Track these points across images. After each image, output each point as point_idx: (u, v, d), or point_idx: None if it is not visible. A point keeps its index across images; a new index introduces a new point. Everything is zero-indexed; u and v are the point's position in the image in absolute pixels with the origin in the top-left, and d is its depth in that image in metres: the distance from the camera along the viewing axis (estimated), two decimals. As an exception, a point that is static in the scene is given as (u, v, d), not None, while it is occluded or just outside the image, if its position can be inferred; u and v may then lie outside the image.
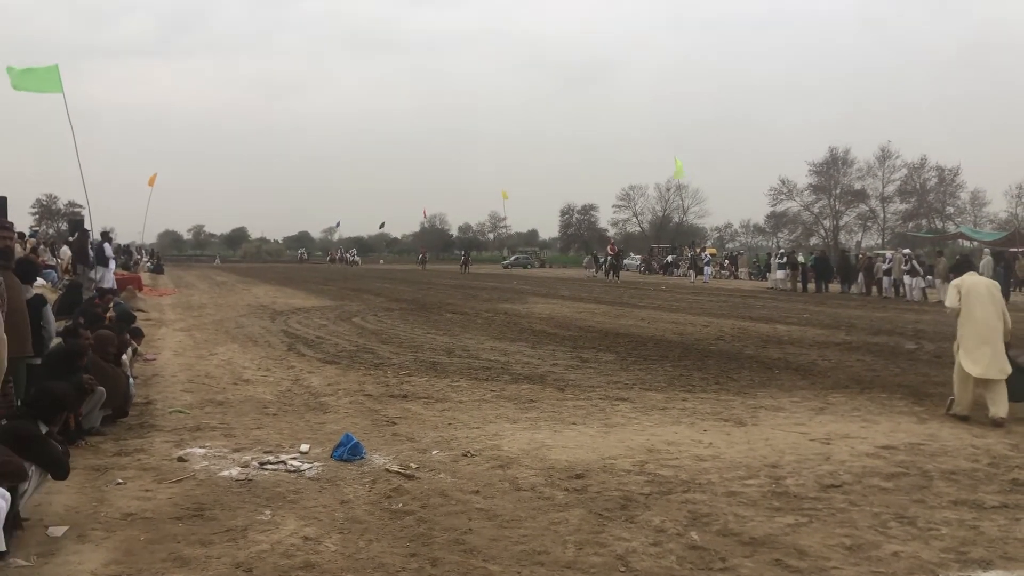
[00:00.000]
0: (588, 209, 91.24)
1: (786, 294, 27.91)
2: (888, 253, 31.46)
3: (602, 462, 5.51)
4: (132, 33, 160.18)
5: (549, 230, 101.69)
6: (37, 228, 57.47)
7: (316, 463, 5.39)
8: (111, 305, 11.36)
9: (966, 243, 43.91)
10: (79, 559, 3.72)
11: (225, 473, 5.16)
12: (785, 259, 31.92)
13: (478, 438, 6.19)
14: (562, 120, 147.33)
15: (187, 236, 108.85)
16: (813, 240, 64.49)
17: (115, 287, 17.80)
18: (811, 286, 29.33)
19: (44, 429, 4.28)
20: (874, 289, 27.30)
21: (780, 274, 31.07)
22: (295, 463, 5.36)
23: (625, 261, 50.55)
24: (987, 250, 27.40)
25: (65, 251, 21.54)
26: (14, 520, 3.81)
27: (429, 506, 4.54)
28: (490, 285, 31.78)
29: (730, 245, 79.61)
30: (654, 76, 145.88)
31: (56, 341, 6.68)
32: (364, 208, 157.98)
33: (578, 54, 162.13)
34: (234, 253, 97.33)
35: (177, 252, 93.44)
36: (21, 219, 53.26)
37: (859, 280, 28.36)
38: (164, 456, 5.60)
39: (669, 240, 69.24)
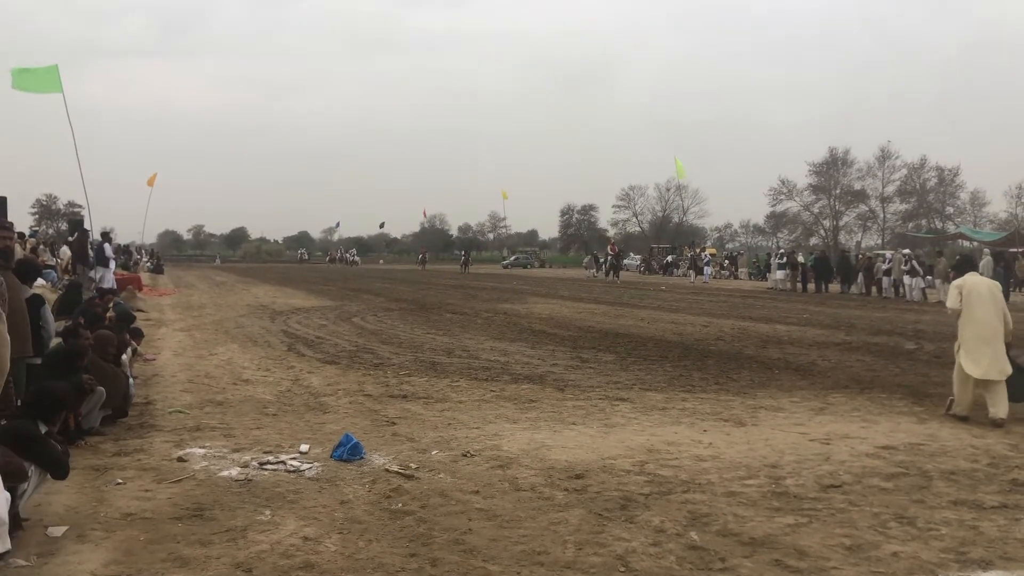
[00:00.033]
0: (588, 209, 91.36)
1: (786, 294, 27.90)
2: (888, 253, 31.48)
3: (602, 462, 5.50)
4: (132, 33, 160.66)
5: (549, 230, 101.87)
6: (37, 228, 57.45)
7: (316, 463, 5.39)
8: (111, 305, 11.36)
9: (966, 243, 43.89)
10: (79, 559, 3.71)
11: (225, 473, 5.16)
12: (785, 259, 31.92)
13: (478, 438, 6.19)
14: (562, 120, 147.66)
15: (187, 236, 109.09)
16: (813, 240, 64.52)
17: (115, 287, 17.80)
18: (811, 286, 29.35)
19: (44, 429, 4.28)
20: (874, 289, 27.32)
21: (780, 274, 31.07)
22: (295, 463, 5.36)
23: (625, 261, 50.55)
24: (987, 250, 27.41)
25: (65, 251, 21.53)
26: (14, 520, 3.80)
27: (429, 506, 4.54)
28: (490, 285, 31.78)
29: (730, 245, 79.68)
30: (654, 76, 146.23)
31: (56, 341, 6.68)
32: (364, 208, 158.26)
33: (578, 54, 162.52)
34: (234, 253, 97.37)
35: (177, 252, 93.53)
36: (21, 219, 53.31)
37: (859, 280, 28.38)
38: (164, 456, 5.60)
39: (669, 240, 69.23)
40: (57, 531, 4.05)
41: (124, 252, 38.09)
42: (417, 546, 3.92)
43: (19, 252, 11.17)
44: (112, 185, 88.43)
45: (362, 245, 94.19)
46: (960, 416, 7.02)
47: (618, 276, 39.24)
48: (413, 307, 19.62)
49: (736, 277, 45.40)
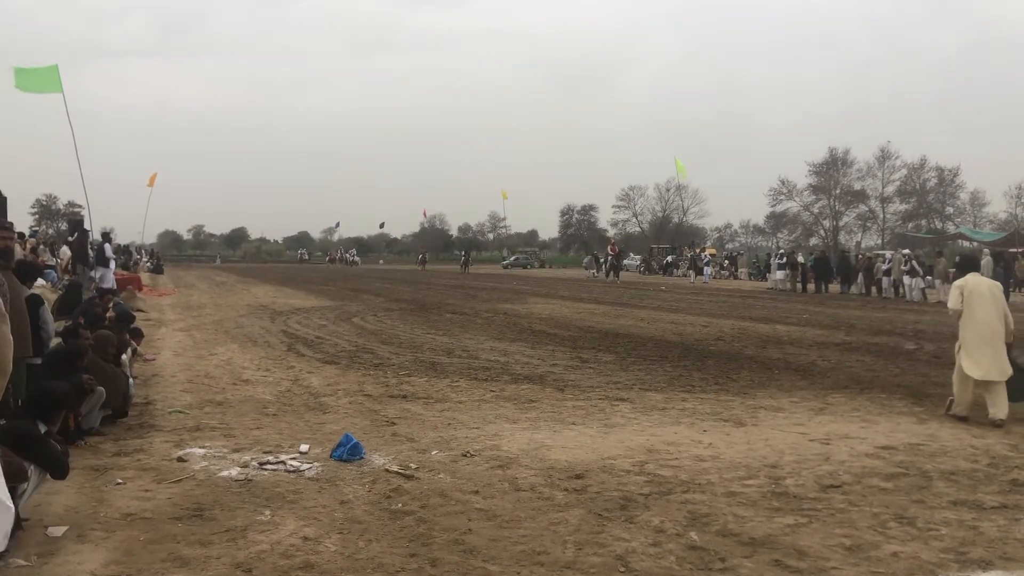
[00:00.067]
0: (588, 209, 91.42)
1: (786, 294, 27.91)
2: (888, 253, 31.49)
3: (602, 462, 5.50)
4: (132, 33, 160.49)
5: (549, 230, 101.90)
6: (37, 228, 57.46)
7: (316, 463, 5.39)
8: (111, 305, 11.37)
9: (966, 243, 43.93)
10: (79, 559, 3.71)
11: (225, 473, 5.16)
12: (785, 259, 31.93)
13: (478, 438, 6.19)
14: (562, 120, 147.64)
15: (187, 236, 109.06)
16: (813, 240, 64.54)
17: (115, 287, 17.83)
18: (811, 286, 29.35)
19: (44, 429, 4.28)
20: (874, 289, 27.33)
21: (780, 274, 31.08)
22: (295, 463, 5.36)
23: (625, 261, 50.57)
24: (987, 250, 27.43)
25: (65, 251, 21.54)
26: (14, 520, 3.80)
27: (429, 506, 4.54)
28: (490, 285, 31.78)
29: (730, 245, 79.70)
30: (654, 76, 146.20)
31: (55, 341, 6.68)
32: (364, 208, 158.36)
33: (578, 54, 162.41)
34: (234, 253, 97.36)
35: (177, 252, 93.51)
36: (21, 219, 53.34)
37: (859, 280, 28.39)
38: (164, 456, 5.60)
39: (669, 240, 69.19)
40: (57, 531, 4.05)
41: (124, 252, 38.13)
42: (417, 546, 3.92)
43: (19, 252, 11.19)
44: (112, 185, 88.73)
45: (362, 245, 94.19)
46: (960, 416, 7.02)
47: (618, 276, 39.26)
48: (413, 307, 19.62)
49: (736, 277, 45.40)
